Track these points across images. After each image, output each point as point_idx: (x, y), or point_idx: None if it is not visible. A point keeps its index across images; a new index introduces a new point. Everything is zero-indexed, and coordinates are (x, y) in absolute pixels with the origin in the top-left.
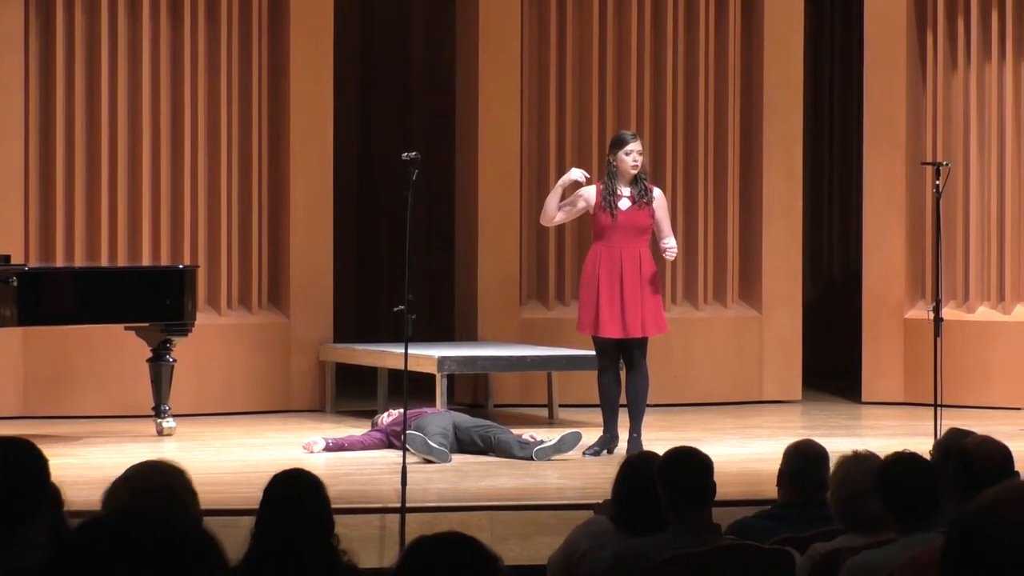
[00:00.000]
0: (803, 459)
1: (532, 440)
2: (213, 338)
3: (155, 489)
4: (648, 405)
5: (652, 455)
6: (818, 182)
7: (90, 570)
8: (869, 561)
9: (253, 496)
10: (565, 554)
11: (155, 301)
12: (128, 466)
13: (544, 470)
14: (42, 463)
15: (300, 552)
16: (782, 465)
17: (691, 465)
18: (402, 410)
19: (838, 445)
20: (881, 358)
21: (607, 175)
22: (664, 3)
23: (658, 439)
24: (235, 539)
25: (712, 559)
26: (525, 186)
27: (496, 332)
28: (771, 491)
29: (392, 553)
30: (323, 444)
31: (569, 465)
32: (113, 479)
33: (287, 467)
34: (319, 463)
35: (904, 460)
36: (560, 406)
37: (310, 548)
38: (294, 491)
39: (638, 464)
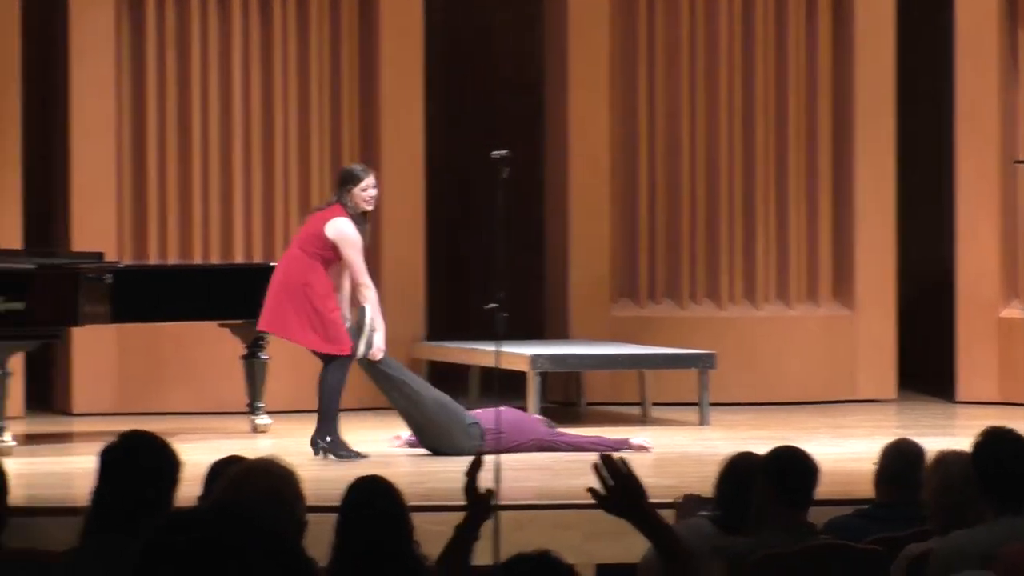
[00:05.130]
0: (902, 458)
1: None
2: None
3: (263, 491)
4: (740, 404)
5: (753, 455)
6: (909, 181)
7: (176, 563)
8: (960, 543)
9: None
10: None
11: (248, 298)
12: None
13: (636, 468)
14: (175, 461)
15: (380, 557)
16: (880, 464)
17: (797, 466)
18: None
19: (933, 445)
20: (975, 358)
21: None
22: None
23: (751, 438)
24: (327, 537)
25: (807, 558)
26: (615, 184)
27: (587, 330)
28: (864, 490)
29: (484, 551)
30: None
31: (663, 463)
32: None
33: (369, 471)
34: (409, 460)
35: (1003, 436)
36: (653, 404)
37: (390, 552)
38: (369, 498)
39: (739, 463)
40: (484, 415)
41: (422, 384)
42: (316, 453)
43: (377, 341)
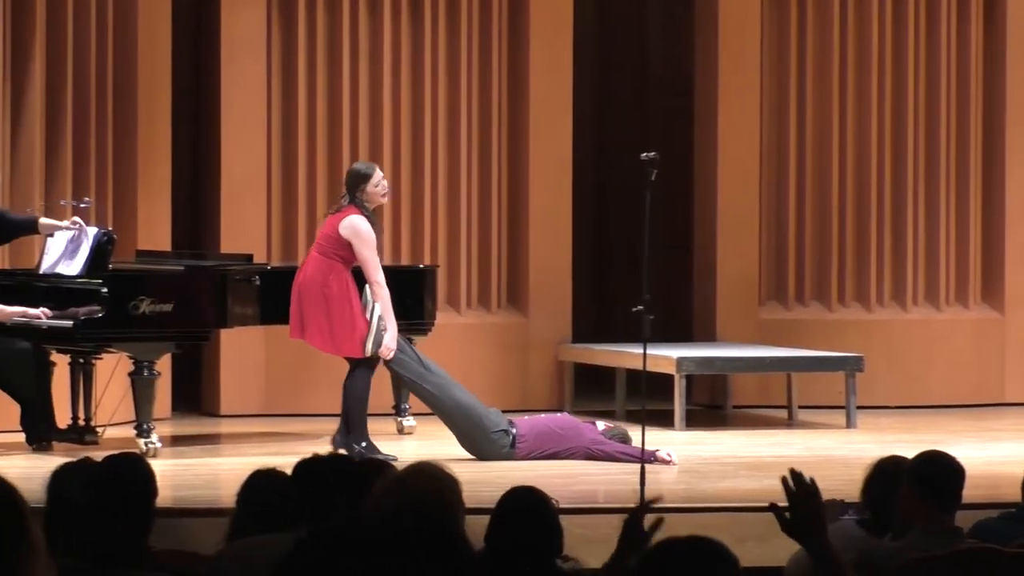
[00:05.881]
0: None
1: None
2: (452, 337)
3: (426, 497)
4: (887, 407)
5: (901, 459)
6: None
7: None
8: None
9: (492, 496)
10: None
11: (395, 300)
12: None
13: (783, 471)
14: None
15: (530, 563)
16: None
17: (944, 469)
18: None
19: None
20: None
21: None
22: (905, 1)
23: (898, 442)
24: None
25: (954, 562)
26: (764, 186)
27: (734, 333)
28: (1011, 494)
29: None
30: None
31: (810, 466)
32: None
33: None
34: (558, 464)
35: None
36: (800, 407)
37: (539, 560)
38: (523, 505)
39: (887, 467)
40: (529, 422)
41: (443, 387)
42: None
43: (387, 340)
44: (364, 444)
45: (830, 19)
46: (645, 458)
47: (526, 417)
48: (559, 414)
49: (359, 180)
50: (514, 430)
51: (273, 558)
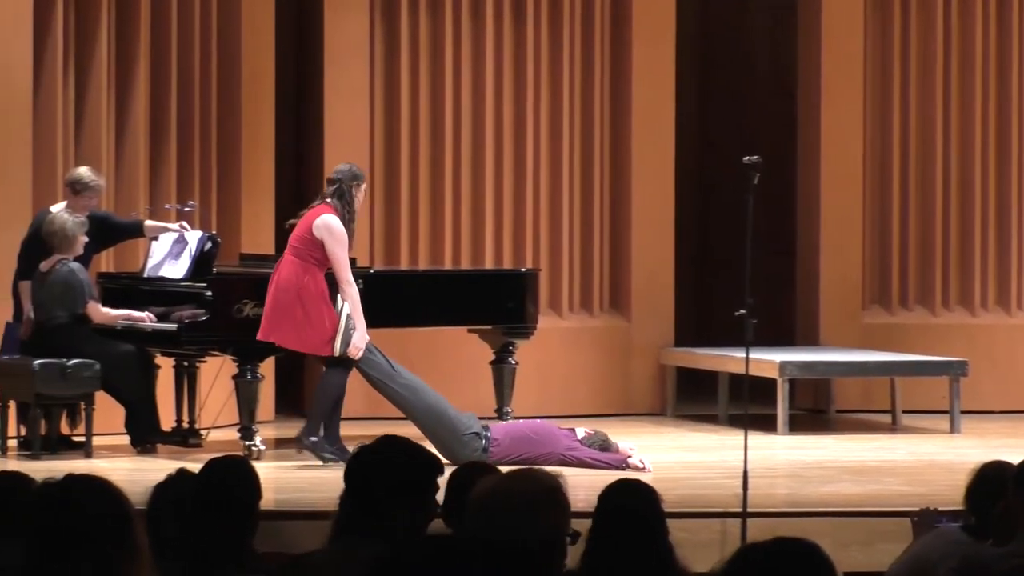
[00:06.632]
0: None
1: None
2: (554, 341)
3: (530, 499)
4: (992, 412)
5: (1005, 464)
6: None
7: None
8: None
9: (591, 500)
10: (912, 563)
11: (497, 304)
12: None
13: (886, 476)
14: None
15: (634, 561)
16: None
17: None
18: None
19: None
20: None
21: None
22: (1010, 3)
23: (1003, 446)
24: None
25: None
26: (868, 190)
27: (837, 337)
28: None
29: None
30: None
31: (913, 471)
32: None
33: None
34: (660, 465)
35: None
36: (903, 412)
37: (644, 557)
38: (629, 501)
39: (991, 472)
40: (505, 427)
41: (414, 388)
42: (299, 451)
43: (355, 339)
44: (313, 439)
45: (934, 22)
46: (617, 465)
47: (503, 422)
48: (538, 420)
49: (354, 179)
50: (488, 433)
51: (370, 559)
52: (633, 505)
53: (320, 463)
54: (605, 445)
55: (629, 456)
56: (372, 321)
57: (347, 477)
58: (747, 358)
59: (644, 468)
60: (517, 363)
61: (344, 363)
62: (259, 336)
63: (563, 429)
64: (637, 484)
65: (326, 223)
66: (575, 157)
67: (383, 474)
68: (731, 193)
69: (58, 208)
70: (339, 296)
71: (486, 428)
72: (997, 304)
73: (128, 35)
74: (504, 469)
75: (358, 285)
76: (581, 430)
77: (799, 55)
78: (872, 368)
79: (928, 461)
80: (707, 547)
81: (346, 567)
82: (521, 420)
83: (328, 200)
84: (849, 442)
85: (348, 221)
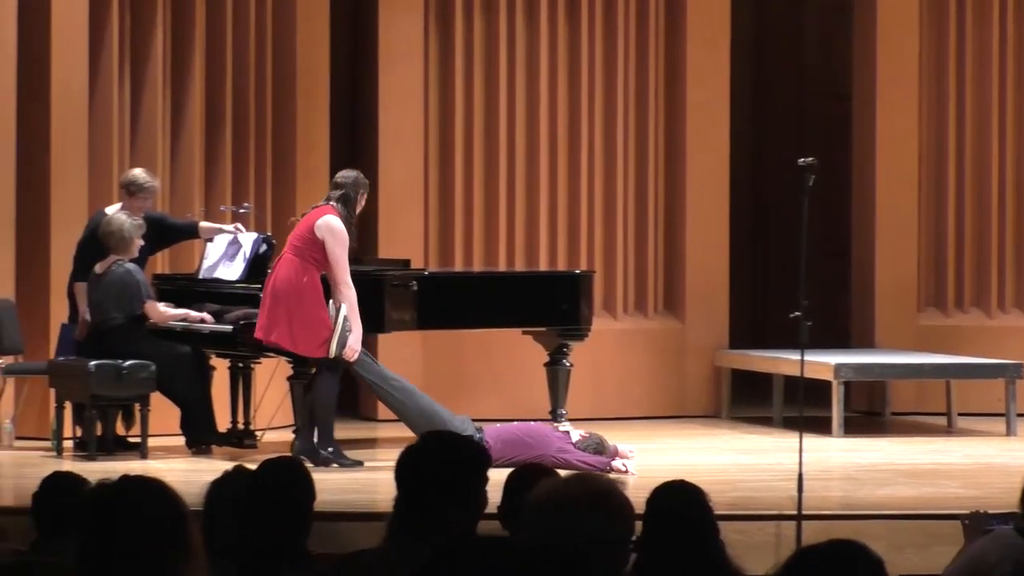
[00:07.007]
0: None
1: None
2: (609, 343)
3: (585, 509)
4: None
5: None
6: None
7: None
8: None
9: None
10: (968, 566)
11: (551, 305)
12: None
13: (941, 479)
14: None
15: (684, 563)
16: None
17: None
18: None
19: None
20: None
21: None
22: None
23: None
24: None
25: None
26: (923, 192)
27: (893, 339)
28: None
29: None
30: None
31: (969, 474)
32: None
33: (674, 477)
34: (714, 467)
35: None
36: (959, 414)
37: (694, 558)
38: (676, 503)
39: None
40: (497, 429)
41: (407, 391)
42: (317, 464)
43: (351, 342)
44: (331, 450)
45: (989, 25)
46: (602, 468)
47: (497, 425)
48: (532, 423)
49: (360, 187)
50: (481, 436)
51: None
52: (679, 506)
53: (345, 469)
54: (600, 448)
55: (617, 459)
56: (428, 323)
57: (397, 478)
58: (802, 360)
59: (626, 471)
60: (571, 365)
61: (335, 367)
62: (256, 335)
63: (557, 431)
64: (683, 485)
65: (328, 223)
66: (630, 158)
67: (431, 471)
68: (787, 195)
69: (113, 209)
70: (331, 299)
71: (480, 431)
72: None
73: (183, 37)
74: (561, 474)
75: (411, 287)
76: (577, 433)
77: (854, 57)
78: (927, 370)
79: (984, 464)
80: (761, 549)
81: (399, 564)
82: (515, 422)
83: (332, 203)
84: (904, 445)
85: (350, 225)
